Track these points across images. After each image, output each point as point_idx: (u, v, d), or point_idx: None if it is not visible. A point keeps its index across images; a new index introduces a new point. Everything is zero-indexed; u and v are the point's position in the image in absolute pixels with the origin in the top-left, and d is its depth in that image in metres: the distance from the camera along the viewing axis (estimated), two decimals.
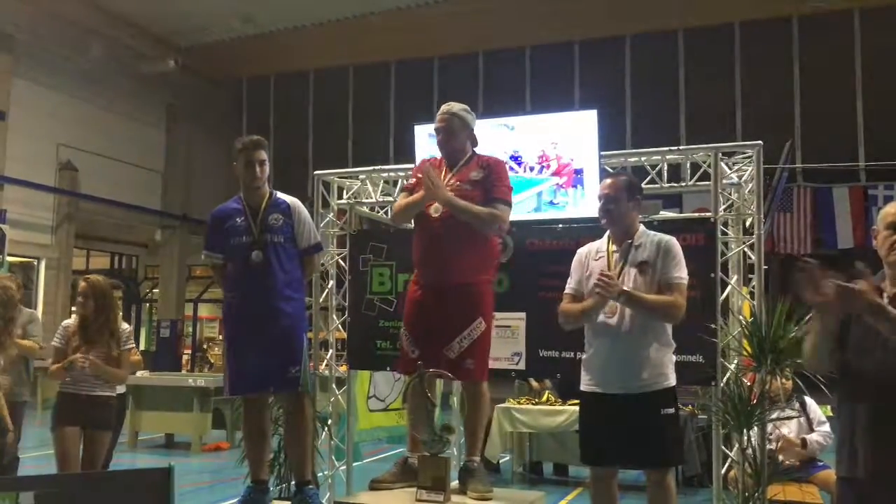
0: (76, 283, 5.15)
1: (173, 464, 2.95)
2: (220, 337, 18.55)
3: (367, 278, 5.21)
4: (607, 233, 3.76)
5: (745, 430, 4.13)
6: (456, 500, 3.56)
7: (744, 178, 4.67)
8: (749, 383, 4.22)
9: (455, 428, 3.90)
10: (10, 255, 14.49)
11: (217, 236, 4.04)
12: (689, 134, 15.93)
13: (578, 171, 4.65)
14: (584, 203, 4.60)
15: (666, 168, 4.90)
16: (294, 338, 3.96)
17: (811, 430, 5.46)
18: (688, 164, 4.89)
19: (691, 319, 3.71)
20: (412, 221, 4.04)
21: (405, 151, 4.66)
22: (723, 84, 16.90)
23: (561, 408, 7.72)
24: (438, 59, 18.89)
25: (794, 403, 5.36)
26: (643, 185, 4.25)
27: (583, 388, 3.70)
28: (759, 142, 4.57)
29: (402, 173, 5.31)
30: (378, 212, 5.61)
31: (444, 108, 3.96)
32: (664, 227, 4.14)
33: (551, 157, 4.70)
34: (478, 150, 4.03)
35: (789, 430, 5.40)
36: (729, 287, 4.52)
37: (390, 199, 5.28)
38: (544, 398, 8.08)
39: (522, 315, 4.77)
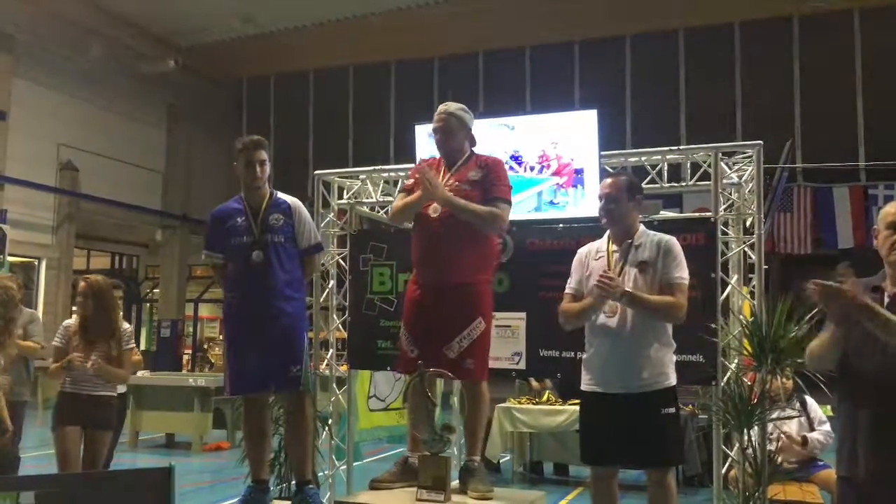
0: (77, 283, 5.15)
1: (174, 464, 2.95)
2: (221, 337, 18.54)
3: (368, 278, 5.21)
4: (607, 232, 3.76)
5: (745, 430, 4.13)
6: (456, 499, 3.56)
7: (744, 178, 4.68)
8: (749, 383, 4.22)
9: (455, 427, 3.90)
10: (10, 255, 14.49)
11: (217, 236, 4.04)
12: (689, 134, 15.92)
13: (579, 171, 4.65)
14: (585, 203, 4.60)
15: (666, 168, 4.90)
16: (295, 337, 3.96)
17: (812, 429, 5.47)
18: (688, 164, 4.89)
19: (692, 319, 3.71)
20: (412, 221, 4.04)
21: (405, 151, 4.67)
22: (723, 84, 16.89)
23: (561, 407, 7.73)
24: (439, 59, 18.88)
25: (794, 403, 5.36)
26: (643, 185, 4.26)
27: (583, 387, 3.70)
28: (760, 142, 4.58)
29: (402, 173, 5.32)
30: (378, 212, 5.62)
31: (441, 108, 3.96)
32: (664, 226, 4.14)
33: (551, 157, 4.70)
34: (477, 149, 4.03)
35: (790, 429, 5.40)
36: (729, 287, 4.52)
37: (391, 198, 5.28)
38: (545, 398, 8.08)
39: (523, 315, 4.77)
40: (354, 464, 5.49)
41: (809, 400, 5.50)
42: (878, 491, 2.70)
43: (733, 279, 4.58)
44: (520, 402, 8.06)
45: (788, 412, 5.04)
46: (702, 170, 4.75)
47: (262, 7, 16.29)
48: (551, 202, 4.73)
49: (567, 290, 3.77)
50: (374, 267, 5.20)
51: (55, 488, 2.88)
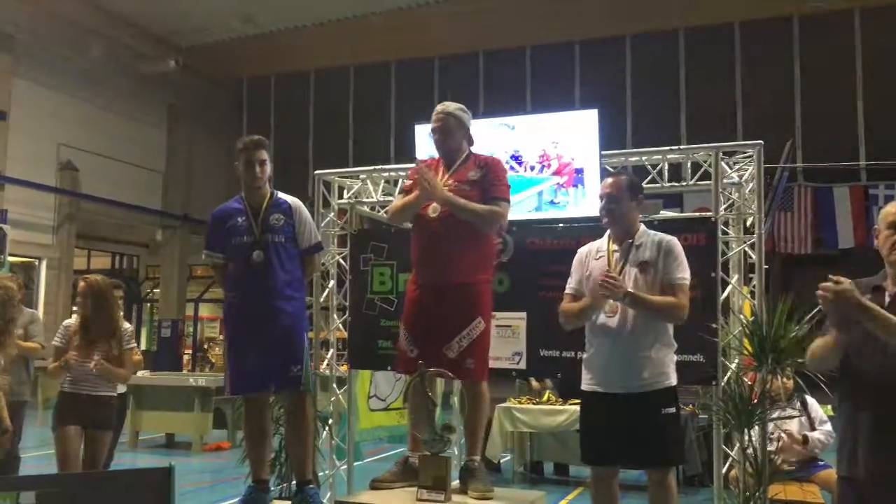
0: (77, 283, 5.15)
1: (174, 463, 2.96)
2: (221, 337, 18.55)
3: (368, 278, 5.21)
4: (607, 232, 3.76)
5: (745, 430, 4.13)
6: (457, 499, 3.56)
7: (744, 178, 4.67)
8: (750, 383, 4.21)
9: (456, 427, 3.89)
10: (11, 255, 14.49)
11: (218, 236, 4.04)
12: (689, 133, 15.92)
13: (579, 171, 4.65)
14: (585, 202, 4.60)
15: (666, 167, 4.90)
16: (295, 337, 3.96)
17: (813, 429, 5.47)
18: (688, 164, 4.89)
19: (692, 319, 3.71)
20: (411, 221, 4.04)
21: (406, 151, 4.66)
22: (723, 84, 16.89)
23: (561, 407, 7.73)
24: (439, 59, 18.88)
25: (795, 403, 5.36)
26: (644, 185, 4.25)
27: (584, 387, 3.70)
28: (760, 141, 4.57)
29: (402, 173, 5.31)
30: (379, 211, 5.61)
31: (439, 107, 3.95)
32: (665, 226, 4.14)
33: (552, 157, 4.70)
34: (477, 149, 4.02)
35: (791, 429, 5.39)
36: (730, 286, 4.52)
37: (391, 198, 5.28)
38: (545, 398, 8.08)
39: (523, 315, 4.77)
40: (355, 464, 5.49)
41: (810, 400, 5.50)
42: (878, 491, 2.70)
43: (734, 279, 4.58)
44: (520, 402, 8.06)
45: (789, 412, 5.04)
46: (702, 169, 4.75)
47: (262, 7, 16.29)
48: (552, 202, 4.73)
49: (567, 291, 3.77)
50: (375, 267, 5.20)
51: (55, 488, 2.88)
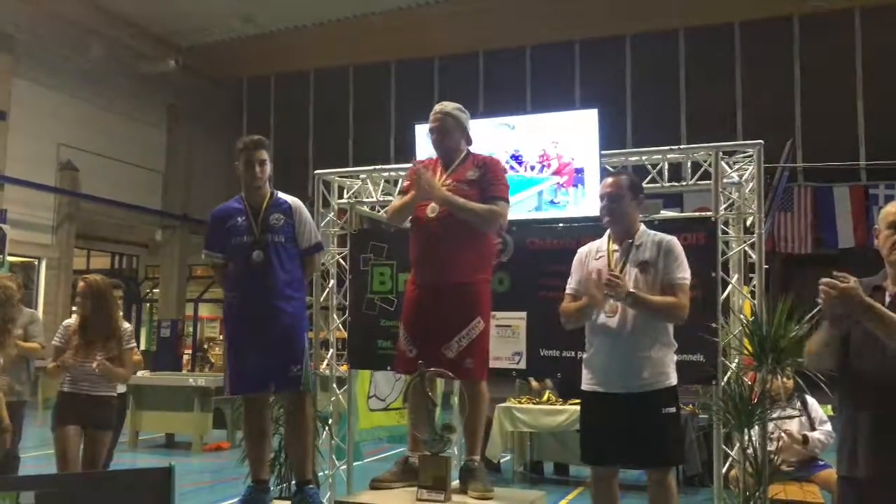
0: (77, 283, 5.15)
1: (174, 463, 2.96)
2: (221, 337, 18.54)
3: (368, 277, 5.21)
4: (607, 232, 3.76)
5: (746, 430, 4.13)
6: (456, 499, 3.56)
7: (744, 178, 4.67)
8: (750, 382, 4.21)
9: (456, 427, 3.89)
10: (10, 254, 14.50)
11: (218, 236, 4.04)
12: (689, 133, 15.91)
13: (579, 171, 4.65)
14: (585, 202, 4.60)
15: (667, 167, 4.90)
16: (295, 337, 3.96)
17: (813, 429, 5.47)
18: (688, 164, 4.89)
19: (692, 319, 3.70)
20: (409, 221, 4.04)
21: (406, 151, 4.66)
22: (723, 84, 16.89)
23: (561, 407, 7.72)
24: (439, 59, 18.88)
25: (795, 403, 5.36)
26: (644, 185, 4.25)
27: (584, 387, 3.70)
28: (760, 141, 4.57)
29: (402, 173, 5.31)
30: (379, 211, 5.61)
31: (437, 107, 3.95)
32: (665, 226, 4.14)
33: (552, 157, 4.70)
34: (477, 149, 4.02)
35: (791, 428, 5.39)
36: (730, 286, 4.51)
37: (391, 198, 5.27)
38: (545, 398, 8.08)
39: (523, 314, 4.77)
40: (355, 464, 5.49)
41: (810, 399, 5.50)
42: (878, 491, 2.70)
43: (734, 279, 4.58)
44: (520, 402, 8.06)
45: (789, 412, 5.04)
46: (702, 169, 4.74)
47: (262, 7, 16.29)
48: (552, 201, 4.73)
49: (567, 291, 3.77)
50: (375, 266, 5.20)
51: (55, 488, 2.88)
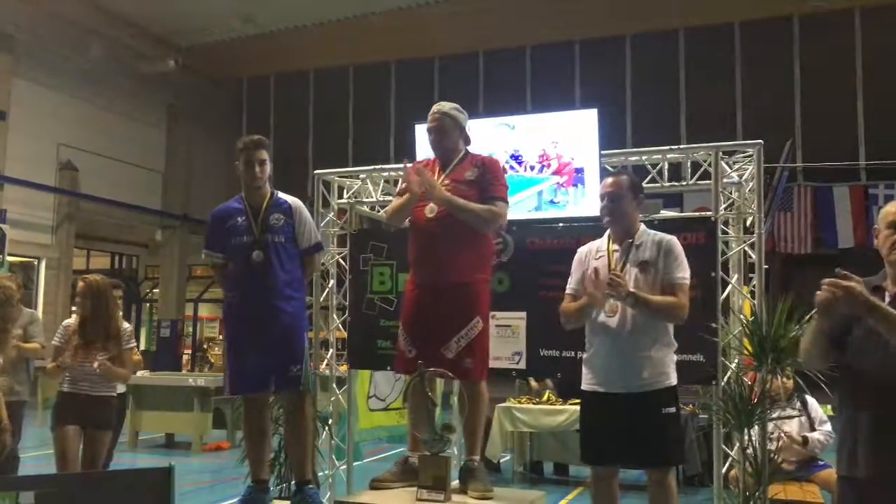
0: (76, 283, 5.16)
1: (174, 464, 2.95)
2: (221, 337, 18.54)
3: (368, 277, 5.21)
4: (607, 232, 3.76)
5: (745, 430, 4.13)
6: (456, 499, 3.56)
7: (744, 178, 4.67)
8: (750, 382, 4.21)
9: (455, 427, 3.89)
10: (10, 255, 14.49)
11: (218, 236, 4.04)
12: (689, 133, 15.91)
13: (579, 170, 4.65)
14: (585, 202, 4.60)
15: (666, 167, 4.90)
16: (294, 337, 3.96)
17: (812, 429, 5.47)
18: (688, 164, 4.89)
19: (692, 318, 3.70)
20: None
21: (406, 151, 4.65)
22: (723, 84, 16.89)
23: (561, 407, 7.72)
24: (438, 59, 18.88)
25: (795, 402, 5.36)
26: (644, 185, 4.25)
27: (584, 387, 3.70)
28: (760, 141, 4.57)
29: (402, 173, 5.30)
30: (378, 211, 5.61)
31: (435, 107, 3.95)
32: (665, 226, 4.14)
33: (552, 156, 4.70)
34: (478, 149, 4.02)
35: (791, 429, 5.39)
36: (730, 286, 4.51)
37: (391, 198, 5.27)
38: (545, 398, 8.08)
39: (523, 314, 4.77)
40: (354, 464, 5.49)
41: (810, 399, 5.50)
42: (878, 491, 2.69)
43: (734, 278, 4.58)
44: (520, 402, 8.06)
45: (789, 412, 5.04)
46: (702, 169, 4.74)
47: (262, 7, 16.28)
48: (551, 201, 4.73)
49: (567, 291, 3.77)
50: (375, 266, 5.20)
51: (55, 488, 2.88)
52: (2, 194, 14.71)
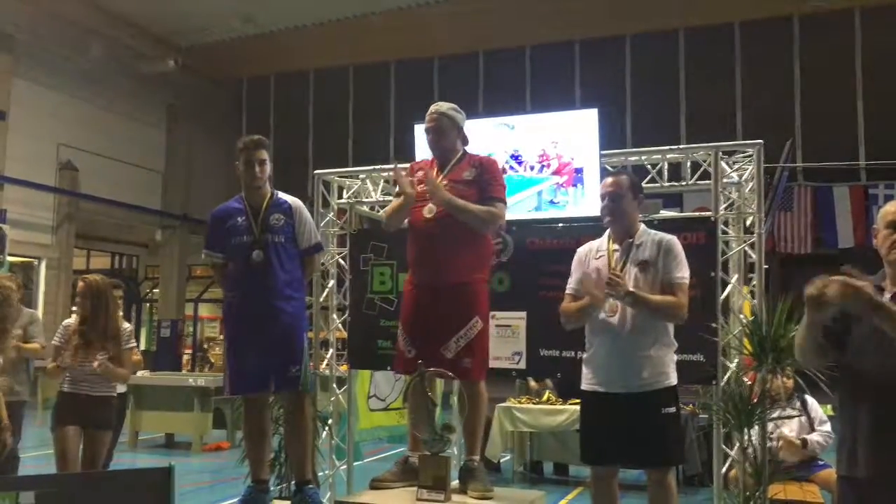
0: (76, 283, 5.16)
1: (174, 463, 2.96)
2: (221, 337, 18.54)
3: (368, 277, 5.21)
4: (607, 231, 3.76)
5: (745, 429, 4.13)
6: (456, 499, 3.56)
7: (744, 177, 4.67)
8: (750, 382, 4.21)
9: (455, 427, 3.90)
10: (10, 255, 14.49)
11: (218, 235, 4.04)
12: (689, 134, 15.90)
13: (579, 170, 4.65)
14: (585, 202, 4.60)
15: (666, 167, 4.90)
16: (294, 337, 3.96)
17: (812, 429, 5.46)
18: (688, 164, 4.89)
19: (692, 318, 3.71)
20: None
21: (405, 151, 4.66)
22: (723, 84, 16.89)
23: (561, 407, 7.72)
24: (438, 59, 18.88)
25: (794, 402, 5.35)
26: (643, 185, 4.25)
27: (584, 386, 3.70)
28: (760, 141, 4.57)
29: (402, 173, 5.30)
30: (378, 211, 5.61)
31: (432, 108, 3.95)
32: (665, 226, 4.14)
33: (552, 156, 4.70)
34: (478, 149, 4.02)
35: (790, 429, 5.39)
36: (729, 286, 4.51)
37: (391, 198, 5.27)
38: (545, 398, 8.08)
39: (523, 314, 4.77)
40: (355, 463, 5.49)
41: (810, 399, 5.50)
42: (878, 491, 2.69)
43: (733, 278, 4.58)
44: (520, 402, 8.06)
45: (789, 412, 5.04)
46: (702, 169, 4.74)
47: (262, 7, 16.28)
48: (551, 201, 4.73)
49: (567, 291, 3.77)
50: (375, 266, 5.20)
51: (55, 488, 2.88)
52: (2, 194, 14.71)
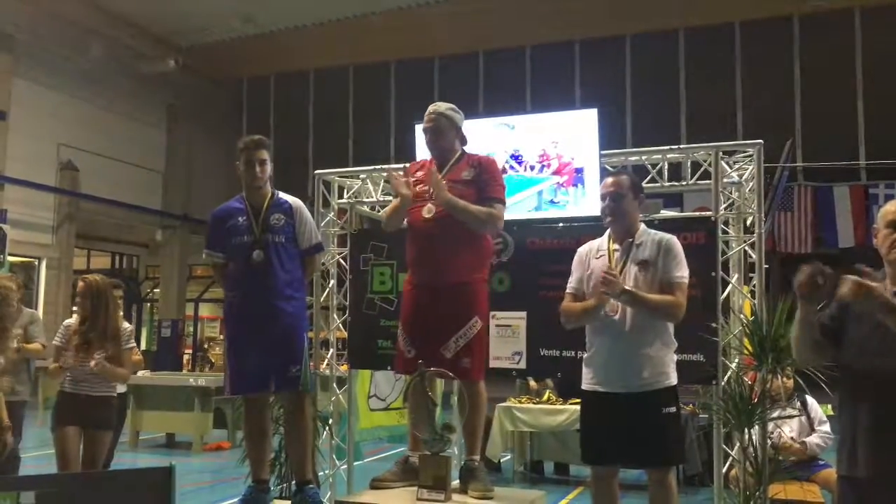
0: (77, 283, 5.16)
1: (174, 463, 2.96)
2: (221, 336, 18.54)
3: (368, 277, 5.21)
4: (607, 231, 3.76)
5: (746, 429, 4.13)
6: (457, 499, 3.56)
7: (744, 177, 4.67)
8: (750, 382, 4.21)
9: (456, 427, 3.89)
10: (10, 254, 14.50)
11: (218, 235, 4.05)
12: (689, 133, 15.91)
13: (579, 170, 4.65)
14: (585, 202, 4.60)
15: (666, 167, 4.90)
16: (295, 337, 3.96)
17: (812, 429, 5.46)
18: (688, 163, 4.89)
19: (692, 318, 3.71)
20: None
21: (406, 151, 4.66)
22: (723, 84, 16.90)
23: (562, 407, 7.72)
24: (438, 59, 18.89)
25: (795, 402, 5.36)
26: (643, 184, 4.25)
27: (584, 386, 3.70)
28: (760, 141, 4.58)
29: (401, 173, 5.31)
30: (378, 211, 5.61)
31: (431, 108, 3.95)
32: (665, 225, 4.14)
33: (552, 156, 4.70)
34: (478, 149, 4.02)
35: (790, 428, 5.39)
36: (730, 286, 4.51)
37: (391, 198, 5.27)
38: (545, 397, 8.09)
39: (523, 314, 4.77)
40: (355, 463, 5.49)
41: (810, 399, 5.50)
42: (878, 491, 2.69)
43: (734, 278, 4.58)
44: (520, 402, 8.06)
45: (789, 412, 5.04)
46: (702, 169, 4.74)
47: (262, 7, 16.29)
48: (552, 201, 4.73)
49: (568, 290, 3.77)
50: (375, 266, 5.20)
51: (55, 488, 2.88)
52: (2, 194, 14.72)
